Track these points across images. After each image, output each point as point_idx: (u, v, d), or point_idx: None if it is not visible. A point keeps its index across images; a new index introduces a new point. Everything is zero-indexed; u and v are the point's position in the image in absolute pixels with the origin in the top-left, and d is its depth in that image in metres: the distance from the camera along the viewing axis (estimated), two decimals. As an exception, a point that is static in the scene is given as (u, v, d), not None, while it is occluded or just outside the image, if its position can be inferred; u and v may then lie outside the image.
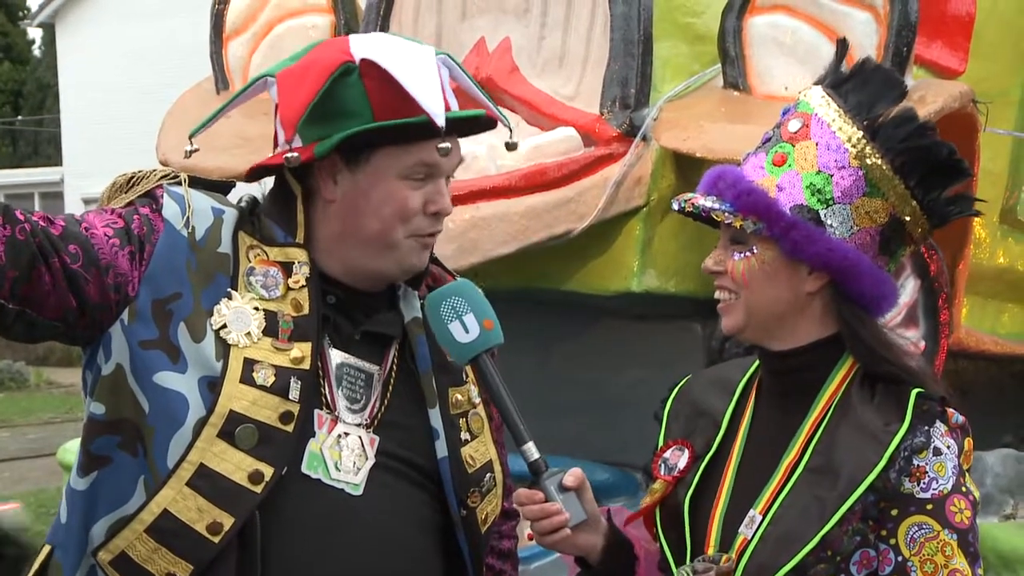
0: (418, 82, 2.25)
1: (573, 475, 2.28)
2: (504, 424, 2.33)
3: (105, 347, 2.25)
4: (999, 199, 5.20)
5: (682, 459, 2.40)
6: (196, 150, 2.38)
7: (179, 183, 2.34)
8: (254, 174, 2.41)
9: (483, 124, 2.43)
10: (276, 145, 2.40)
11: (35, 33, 37.34)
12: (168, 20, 21.18)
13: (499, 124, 2.42)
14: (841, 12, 4.29)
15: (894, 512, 2.20)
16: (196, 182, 2.37)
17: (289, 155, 2.26)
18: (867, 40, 4.12)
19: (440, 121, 2.24)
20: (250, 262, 2.30)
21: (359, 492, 2.30)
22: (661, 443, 2.46)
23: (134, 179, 2.37)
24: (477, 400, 2.46)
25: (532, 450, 2.26)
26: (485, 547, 2.49)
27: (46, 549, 2.33)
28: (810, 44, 4.33)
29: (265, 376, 2.24)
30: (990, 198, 4.81)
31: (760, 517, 2.25)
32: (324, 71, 2.26)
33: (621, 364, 4.91)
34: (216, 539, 2.19)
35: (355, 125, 2.26)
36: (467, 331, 2.29)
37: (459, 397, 2.43)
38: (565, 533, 2.27)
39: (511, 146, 2.48)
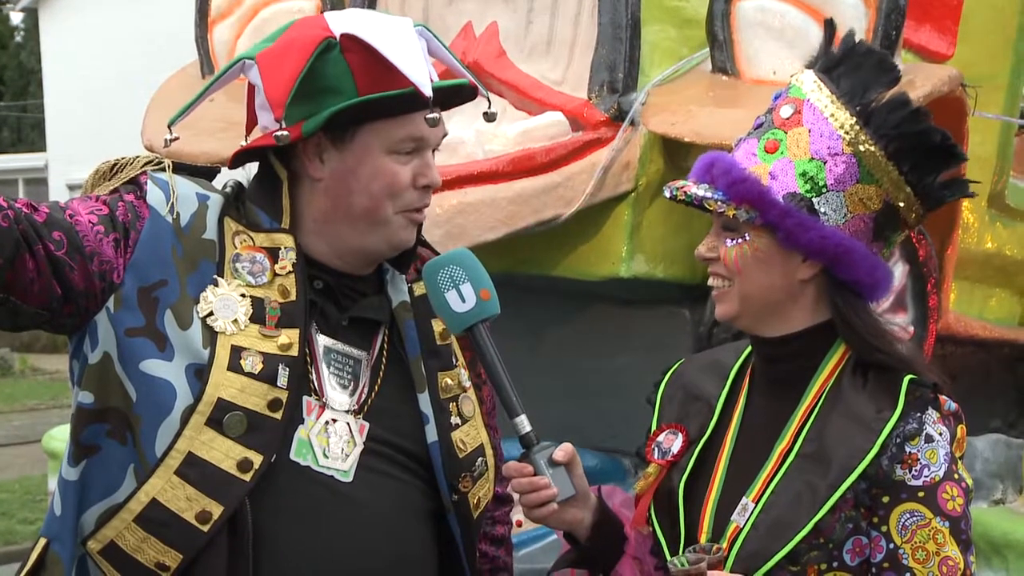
0: (402, 54, 2.24)
1: (563, 450, 2.28)
2: (496, 396, 2.33)
3: (91, 335, 2.23)
4: (987, 184, 5.19)
5: (676, 443, 2.39)
6: (176, 138, 2.36)
7: (163, 169, 2.33)
8: (238, 160, 2.40)
9: (464, 95, 2.42)
10: (249, 130, 2.39)
11: (16, 18, 37.17)
12: (152, 4, 21.07)
13: (479, 96, 2.41)
14: (830, -5, 4.28)
15: (886, 499, 2.20)
16: (180, 168, 2.36)
17: (279, 133, 2.24)
18: (856, 24, 4.10)
19: (427, 91, 2.23)
20: (236, 248, 2.29)
21: (349, 479, 2.29)
22: (655, 427, 2.45)
23: (117, 166, 2.37)
24: (467, 384, 2.45)
25: (524, 423, 2.26)
26: (477, 532, 2.48)
27: (42, 542, 2.30)
28: (799, 28, 4.31)
29: (253, 363, 2.23)
30: (979, 183, 4.80)
31: (753, 504, 2.25)
32: (306, 48, 2.25)
33: (609, 349, 4.90)
34: (205, 528, 2.18)
35: (340, 101, 2.25)
36: (463, 300, 2.28)
37: (449, 381, 2.42)
38: (552, 508, 2.27)
39: (490, 116, 2.46)
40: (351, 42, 2.25)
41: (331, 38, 2.26)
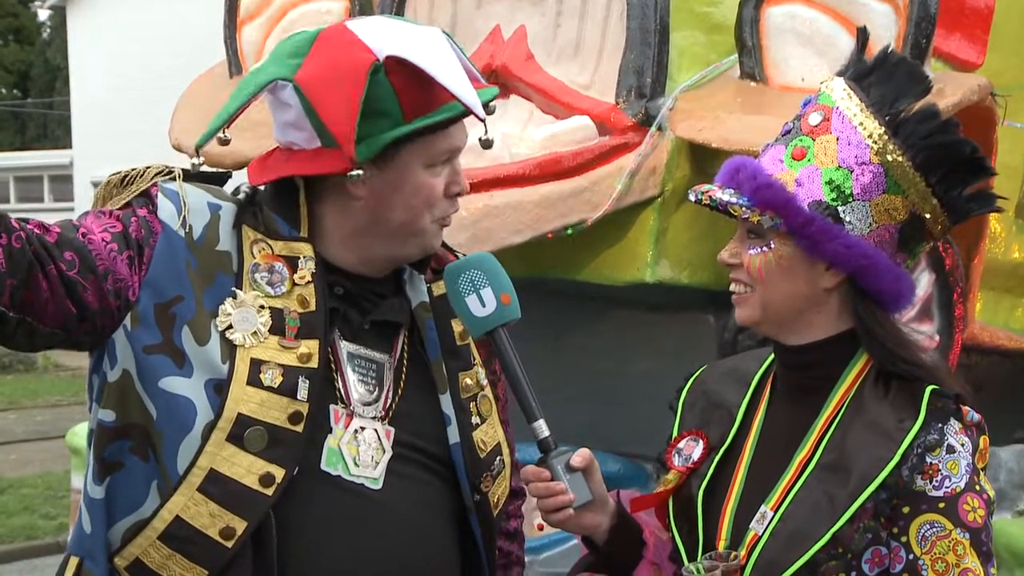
0: (450, 74, 2.23)
1: (581, 455, 2.28)
2: (517, 401, 2.32)
3: (110, 353, 2.23)
4: (1015, 193, 5.16)
5: (696, 450, 2.39)
6: (203, 163, 2.34)
7: (174, 179, 2.32)
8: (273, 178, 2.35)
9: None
10: (281, 147, 2.34)
11: (43, 15, 37.34)
12: (181, 3, 21.12)
13: (499, 98, 2.45)
14: (860, 3, 4.26)
15: (906, 510, 2.19)
16: (191, 176, 2.35)
17: (355, 173, 2.22)
18: (886, 32, 4.09)
19: (481, 112, 2.24)
20: (255, 258, 2.28)
21: (379, 486, 2.30)
22: (675, 433, 2.45)
23: (127, 178, 2.36)
24: (485, 382, 2.46)
25: (542, 428, 2.27)
26: (497, 530, 2.49)
27: (74, 562, 2.30)
28: (828, 35, 4.30)
29: (272, 377, 2.22)
30: (1006, 192, 4.77)
31: (771, 513, 2.24)
32: (356, 74, 2.20)
33: (633, 355, 4.89)
34: (229, 544, 2.19)
35: (386, 124, 2.23)
36: (484, 305, 2.29)
37: (468, 381, 2.42)
38: (569, 513, 2.27)
39: (486, 143, 2.42)
40: (396, 64, 2.21)
41: (377, 62, 2.21)
